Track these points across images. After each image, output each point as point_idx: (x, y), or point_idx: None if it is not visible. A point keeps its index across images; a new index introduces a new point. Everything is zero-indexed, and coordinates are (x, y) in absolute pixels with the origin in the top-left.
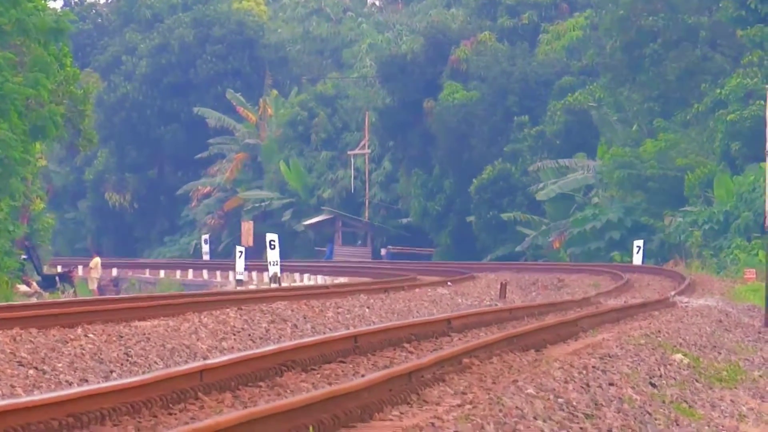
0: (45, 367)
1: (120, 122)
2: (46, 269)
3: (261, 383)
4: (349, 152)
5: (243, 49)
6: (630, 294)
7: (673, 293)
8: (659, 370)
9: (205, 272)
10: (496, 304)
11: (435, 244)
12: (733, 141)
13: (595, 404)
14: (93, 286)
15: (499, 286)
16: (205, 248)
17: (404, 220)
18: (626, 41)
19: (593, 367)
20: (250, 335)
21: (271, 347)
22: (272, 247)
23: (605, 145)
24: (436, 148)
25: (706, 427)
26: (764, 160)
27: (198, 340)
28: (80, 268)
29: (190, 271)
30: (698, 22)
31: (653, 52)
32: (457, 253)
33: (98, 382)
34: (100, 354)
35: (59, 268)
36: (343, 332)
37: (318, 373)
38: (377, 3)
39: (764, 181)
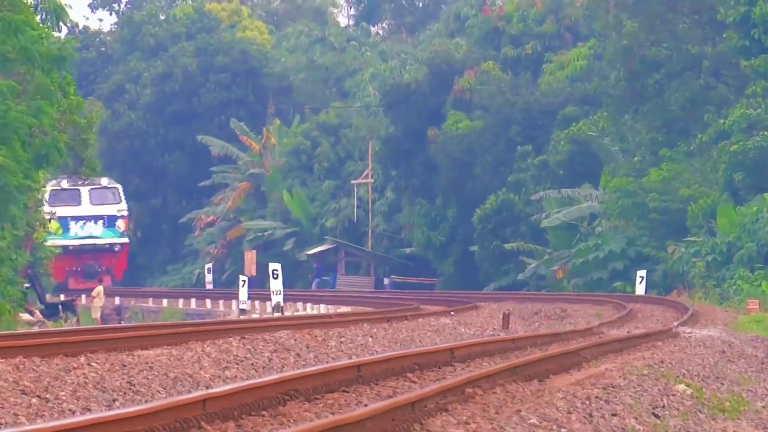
0: (48, 396)
1: (123, 150)
2: (48, 298)
3: (264, 412)
4: (352, 181)
5: (246, 78)
6: (633, 324)
7: (676, 324)
8: (662, 400)
9: (208, 301)
10: (499, 334)
11: (438, 274)
12: (737, 172)
13: None
14: (96, 314)
15: (501, 316)
16: (208, 277)
17: (407, 250)
18: (630, 71)
19: (596, 397)
20: (253, 364)
21: (274, 376)
22: (275, 276)
23: (608, 174)
24: (439, 177)
25: None
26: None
27: (201, 369)
28: (83, 296)
29: (193, 300)
30: (702, 52)
31: (656, 82)
32: (460, 282)
33: (101, 411)
34: (103, 383)
35: (62, 297)
36: (346, 361)
37: (321, 403)
38: (381, 32)
39: (767, 212)
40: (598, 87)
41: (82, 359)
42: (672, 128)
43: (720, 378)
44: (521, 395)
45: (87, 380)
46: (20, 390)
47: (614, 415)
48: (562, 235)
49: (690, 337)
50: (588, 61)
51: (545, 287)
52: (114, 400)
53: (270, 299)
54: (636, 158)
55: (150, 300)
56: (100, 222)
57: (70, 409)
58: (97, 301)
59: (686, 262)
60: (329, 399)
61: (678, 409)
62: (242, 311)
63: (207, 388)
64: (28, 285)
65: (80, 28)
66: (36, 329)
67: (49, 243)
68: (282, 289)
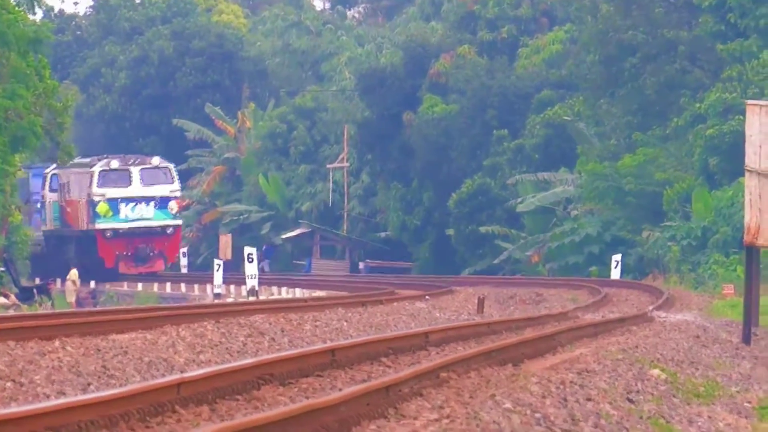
0: (22, 380)
1: (99, 134)
2: (24, 281)
3: (238, 396)
4: (327, 165)
5: (222, 61)
6: (608, 309)
7: (651, 308)
8: (637, 385)
9: (183, 285)
10: (474, 319)
11: (413, 258)
12: (712, 156)
13: (573, 419)
14: (71, 298)
15: (477, 301)
16: (183, 261)
17: (383, 234)
18: (605, 55)
19: (571, 381)
20: (227, 348)
21: (249, 360)
22: (250, 260)
23: (584, 158)
24: (415, 161)
25: None
26: (743, 175)
27: (175, 353)
28: (58, 280)
29: (168, 284)
30: (677, 36)
31: (632, 66)
32: (435, 266)
33: (76, 395)
34: (78, 367)
35: (37, 280)
36: (320, 346)
37: (295, 387)
38: (357, 16)
39: (743, 196)
40: (573, 71)
41: (57, 343)
42: (648, 112)
43: (694, 363)
44: (496, 380)
45: (62, 364)
46: None
47: (589, 399)
48: (538, 219)
49: (665, 321)
50: (564, 45)
51: (521, 271)
52: (89, 384)
53: (245, 283)
54: (612, 142)
55: (125, 284)
56: (152, 203)
57: (44, 393)
58: (71, 285)
59: (661, 246)
60: (304, 383)
61: (652, 394)
62: (217, 295)
63: (181, 372)
64: (2, 269)
65: (56, 11)
66: (11, 313)
67: (98, 226)
68: (257, 273)
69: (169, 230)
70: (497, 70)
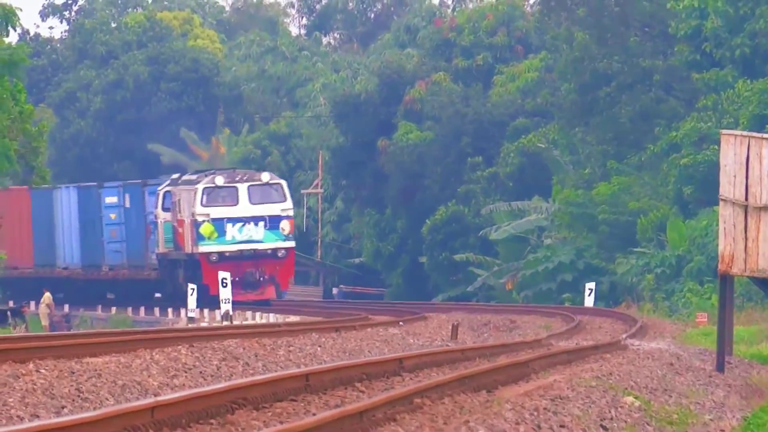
0: None
1: (73, 159)
2: None
3: (212, 420)
4: (302, 191)
5: (197, 86)
6: (581, 336)
7: (624, 336)
8: (610, 412)
9: (156, 309)
10: (448, 345)
11: (387, 284)
12: (686, 185)
13: None
14: (45, 321)
15: (450, 327)
16: None
17: (356, 260)
18: (580, 84)
19: (544, 408)
20: (201, 372)
21: (223, 385)
22: (224, 285)
23: (558, 186)
24: (389, 188)
25: None
26: (717, 205)
27: (149, 376)
28: (32, 303)
29: (142, 308)
30: (653, 65)
31: (607, 95)
32: (409, 293)
33: (50, 418)
34: (52, 389)
35: (11, 303)
36: (294, 370)
37: (269, 411)
38: (333, 42)
39: (717, 225)
40: (548, 99)
41: (31, 366)
42: (622, 141)
43: (668, 390)
44: (470, 406)
45: (36, 387)
46: None
47: (562, 426)
48: (512, 246)
49: (638, 349)
50: (539, 73)
51: (494, 298)
52: (63, 407)
53: (219, 308)
54: (586, 170)
55: (99, 308)
56: (261, 223)
57: (18, 416)
58: (45, 308)
59: (635, 274)
60: (278, 408)
61: (626, 421)
62: (191, 319)
63: (155, 395)
64: None
65: (31, 35)
66: None
67: (202, 249)
68: (231, 298)
69: (281, 253)
70: (472, 97)
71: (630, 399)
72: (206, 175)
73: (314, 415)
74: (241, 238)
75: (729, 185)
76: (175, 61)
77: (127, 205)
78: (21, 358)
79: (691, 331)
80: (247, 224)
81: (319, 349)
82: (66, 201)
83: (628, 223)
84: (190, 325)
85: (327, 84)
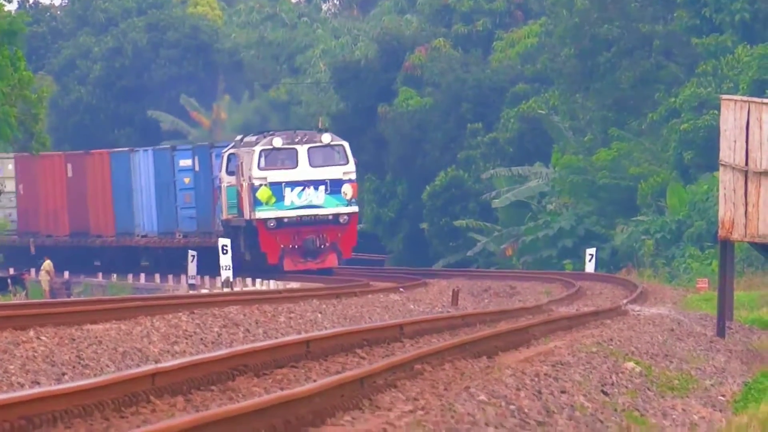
0: None
1: (73, 126)
2: None
3: (213, 387)
4: None
5: (197, 53)
6: (582, 302)
7: (625, 302)
8: (611, 378)
9: (157, 276)
10: (449, 311)
11: (387, 250)
12: (687, 150)
13: (547, 411)
14: (45, 288)
15: (451, 293)
16: None
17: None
18: (580, 49)
19: (545, 374)
20: (202, 339)
21: (224, 351)
22: (225, 251)
23: (558, 153)
24: (389, 154)
25: None
26: (717, 170)
27: (150, 343)
28: (32, 270)
29: (143, 275)
30: (653, 30)
31: (607, 60)
32: (409, 259)
33: (50, 385)
34: (52, 357)
35: (11, 270)
36: (295, 337)
37: (270, 378)
38: (332, 9)
39: (717, 190)
40: (548, 65)
41: (31, 333)
42: (623, 106)
43: (669, 356)
44: (470, 372)
45: (36, 354)
46: None
47: (563, 392)
48: (513, 212)
49: (639, 315)
50: (539, 39)
51: (495, 264)
52: (63, 374)
53: (220, 274)
54: (587, 137)
55: (99, 275)
56: (322, 188)
57: (19, 383)
58: (46, 275)
59: (636, 240)
60: (278, 374)
61: (627, 387)
62: (192, 286)
63: (156, 362)
64: None
65: (31, 2)
66: None
67: (259, 215)
68: (232, 264)
69: (343, 219)
70: (472, 63)
71: (631, 364)
72: (264, 137)
73: (315, 381)
74: (300, 203)
75: (729, 150)
76: (175, 28)
77: (197, 168)
78: (21, 325)
79: (691, 297)
80: (306, 188)
81: (319, 315)
82: (144, 165)
83: (628, 189)
84: (190, 292)
85: (327, 50)
